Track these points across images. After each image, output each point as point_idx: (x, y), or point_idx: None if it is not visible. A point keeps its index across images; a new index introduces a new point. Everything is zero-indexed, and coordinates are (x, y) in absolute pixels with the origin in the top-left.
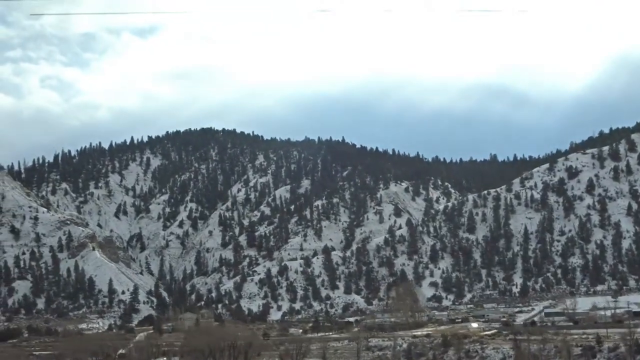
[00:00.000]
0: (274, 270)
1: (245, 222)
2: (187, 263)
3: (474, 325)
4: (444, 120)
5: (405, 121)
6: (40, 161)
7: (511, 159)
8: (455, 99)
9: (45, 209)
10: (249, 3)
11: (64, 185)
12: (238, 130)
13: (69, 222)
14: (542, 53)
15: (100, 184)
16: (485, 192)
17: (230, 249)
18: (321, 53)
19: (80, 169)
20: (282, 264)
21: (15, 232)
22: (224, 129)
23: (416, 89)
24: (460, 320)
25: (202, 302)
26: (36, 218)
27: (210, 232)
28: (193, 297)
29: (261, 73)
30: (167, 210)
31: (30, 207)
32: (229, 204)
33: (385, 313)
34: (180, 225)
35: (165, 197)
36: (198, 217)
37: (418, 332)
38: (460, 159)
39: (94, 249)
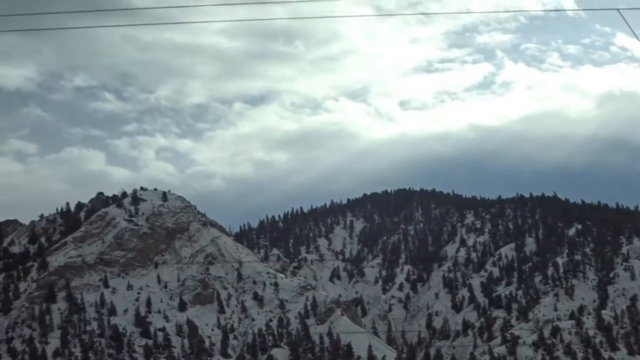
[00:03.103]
0: (527, 331)
1: (473, 282)
2: (415, 327)
3: None
4: None
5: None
6: (246, 227)
7: None
8: None
9: (282, 275)
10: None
11: (274, 250)
12: (437, 190)
13: (309, 287)
14: None
15: (310, 249)
16: None
17: (470, 311)
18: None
19: (287, 234)
20: (539, 325)
21: (258, 299)
22: (421, 189)
23: None
24: None
25: None
26: (276, 284)
27: (436, 294)
28: None
29: (370, 135)
30: (384, 273)
31: (268, 273)
32: (450, 264)
33: None
34: (400, 288)
35: (378, 260)
36: (416, 279)
37: None
38: None
39: (342, 314)
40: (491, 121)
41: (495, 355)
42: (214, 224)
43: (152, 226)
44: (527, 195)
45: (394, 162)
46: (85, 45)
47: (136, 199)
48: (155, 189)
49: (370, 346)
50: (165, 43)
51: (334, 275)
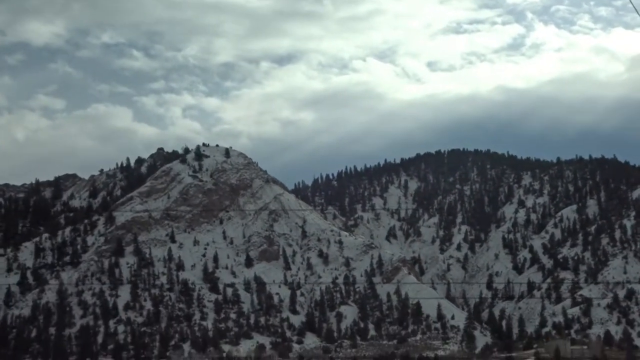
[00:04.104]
0: (598, 294)
1: (534, 243)
2: (475, 287)
3: None
4: None
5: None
6: (301, 184)
7: None
8: None
9: (346, 233)
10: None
11: (330, 209)
12: (492, 150)
13: (373, 245)
14: None
15: (366, 207)
16: None
17: (533, 272)
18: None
19: (342, 193)
20: (610, 287)
21: (323, 257)
22: (475, 149)
23: None
24: None
25: (551, 330)
26: (340, 242)
27: (496, 255)
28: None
29: (398, 97)
30: (441, 233)
31: (332, 230)
32: (509, 225)
33: None
34: (458, 248)
35: (434, 219)
36: (474, 240)
37: None
38: None
39: (409, 273)
40: (520, 83)
41: (570, 316)
42: (275, 181)
43: (217, 182)
44: (586, 157)
45: (421, 123)
46: (114, 2)
47: (199, 155)
48: (217, 145)
49: (439, 305)
50: (192, 1)
51: (390, 234)
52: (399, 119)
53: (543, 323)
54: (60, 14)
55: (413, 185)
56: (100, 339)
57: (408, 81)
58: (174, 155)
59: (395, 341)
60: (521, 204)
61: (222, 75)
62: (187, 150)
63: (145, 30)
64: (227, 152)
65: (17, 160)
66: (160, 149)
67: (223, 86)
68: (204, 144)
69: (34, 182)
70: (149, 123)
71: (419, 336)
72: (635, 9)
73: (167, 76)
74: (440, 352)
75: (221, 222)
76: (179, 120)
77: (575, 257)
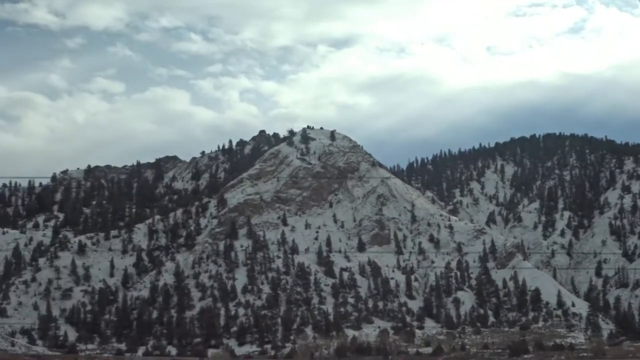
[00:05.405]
0: None
1: None
2: (582, 273)
3: None
4: None
5: None
6: (396, 168)
7: None
8: None
9: (455, 217)
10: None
11: (428, 193)
12: (589, 135)
13: (484, 231)
14: None
15: (465, 192)
16: None
17: None
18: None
19: (439, 177)
20: None
21: (434, 242)
22: (572, 134)
23: None
24: None
25: None
26: (451, 227)
27: (603, 242)
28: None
29: (455, 81)
30: (542, 218)
31: (441, 215)
32: (615, 211)
33: None
34: (562, 234)
35: (535, 205)
36: (577, 226)
37: None
38: None
39: (524, 259)
40: (580, 68)
41: None
42: (381, 165)
43: (325, 165)
44: None
45: (479, 108)
46: None
47: (306, 138)
48: (322, 128)
49: (559, 292)
50: None
51: (490, 220)
52: (457, 104)
53: None
54: None
55: (509, 170)
56: (221, 321)
57: (466, 65)
58: (276, 138)
59: (517, 328)
60: (626, 189)
61: (280, 58)
62: (292, 133)
63: (203, 14)
64: (332, 135)
65: (78, 142)
66: (262, 132)
67: (280, 70)
68: (308, 127)
69: (135, 164)
70: (207, 106)
71: (540, 323)
72: None
73: (225, 60)
74: (570, 341)
75: (330, 206)
76: (236, 104)
77: None
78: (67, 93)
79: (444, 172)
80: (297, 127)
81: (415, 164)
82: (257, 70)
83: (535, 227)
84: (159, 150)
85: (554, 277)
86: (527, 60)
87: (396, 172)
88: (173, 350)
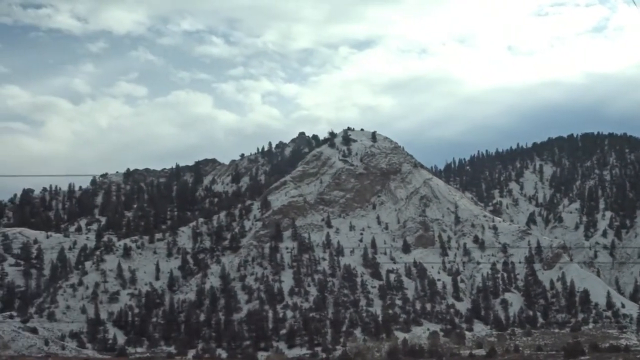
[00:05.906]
0: None
1: None
2: (626, 274)
3: None
4: None
5: None
6: (434, 169)
7: None
8: None
9: (499, 219)
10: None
11: (467, 194)
12: (628, 134)
13: (528, 232)
14: None
15: (504, 193)
16: None
17: None
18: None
19: (477, 177)
20: None
21: (479, 243)
22: (610, 133)
23: None
24: None
25: None
26: (495, 228)
27: None
28: None
29: (479, 82)
30: (584, 219)
31: (485, 216)
32: None
33: None
34: (604, 234)
35: (575, 205)
36: (619, 226)
37: None
38: None
39: (571, 259)
40: (604, 67)
41: None
42: (422, 166)
43: (367, 166)
44: None
45: (501, 108)
46: None
47: (347, 139)
48: (362, 129)
49: (609, 294)
50: None
51: (530, 220)
52: (480, 104)
53: None
54: (142, 2)
55: (548, 170)
56: (269, 324)
57: (488, 66)
58: (316, 140)
59: (567, 330)
60: None
61: (301, 61)
62: (333, 134)
63: (224, 17)
64: (374, 136)
65: (101, 146)
66: (302, 133)
67: (302, 72)
68: (349, 128)
69: (174, 166)
70: (229, 109)
71: (590, 325)
72: None
73: (247, 62)
74: (623, 342)
75: (374, 207)
76: (258, 107)
77: None
78: (90, 97)
79: (482, 173)
80: (320, 130)
81: (452, 165)
82: (279, 72)
83: (577, 227)
84: (181, 154)
85: (597, 277)
86: (549, 59)
87: (434, 173)
88: (223, 353)
